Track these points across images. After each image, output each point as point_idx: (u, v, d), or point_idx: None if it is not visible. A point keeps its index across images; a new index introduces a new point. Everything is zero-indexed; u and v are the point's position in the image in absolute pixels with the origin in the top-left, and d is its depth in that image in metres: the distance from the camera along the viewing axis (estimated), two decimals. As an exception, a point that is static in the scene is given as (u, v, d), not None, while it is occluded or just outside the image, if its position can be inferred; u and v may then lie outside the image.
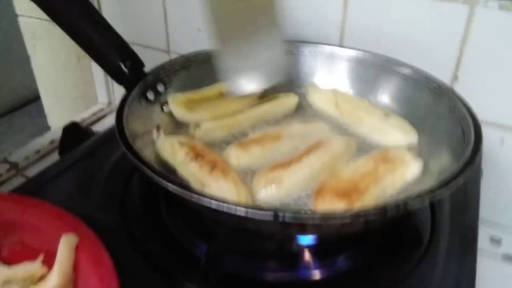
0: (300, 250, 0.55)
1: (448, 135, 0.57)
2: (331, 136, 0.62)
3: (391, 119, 0.64)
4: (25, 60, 1.15)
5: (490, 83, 0.70)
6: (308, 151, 0.57)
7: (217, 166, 0.53)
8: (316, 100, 0.71)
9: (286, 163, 0.55)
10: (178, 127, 0.66)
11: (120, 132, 0.52)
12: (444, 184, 0.45)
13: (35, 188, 0.65)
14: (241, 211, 0.41)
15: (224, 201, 0.42)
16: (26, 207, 0.51)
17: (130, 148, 0.50)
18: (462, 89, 0.63)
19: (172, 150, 0.58)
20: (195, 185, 0.53)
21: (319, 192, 0.51)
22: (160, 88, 0.66)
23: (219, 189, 0.51)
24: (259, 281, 0.52)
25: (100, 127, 0.97)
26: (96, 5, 0.96)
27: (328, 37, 0.77)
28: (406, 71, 0.67)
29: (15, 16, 1.09)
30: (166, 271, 0.52)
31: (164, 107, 0.66)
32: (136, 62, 0.64)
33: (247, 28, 0.62)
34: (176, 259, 0.54)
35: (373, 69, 0.70)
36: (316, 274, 0.53)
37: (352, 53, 0.72)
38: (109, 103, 1.10)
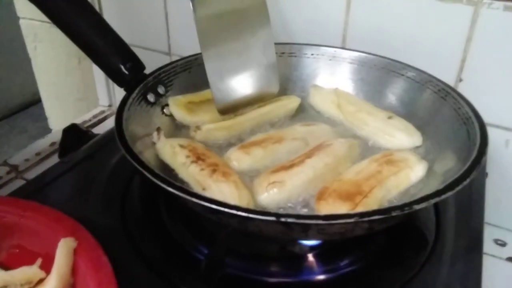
0: (302, 252, 0.55)
1: (453, 137, 0.56)
2: (334, 138, 0.61)
3: (395, 121, 0.63)
4: (26, 62, 1.15)
5: (494, 85, 0.69)
6: (310, 154, 0.56)
7: (218, 169, 0.53)
8: (318, 101, 0.70)
9: (288, 166, 0.54)
10: (178, 129, 0.65)
11: (119, 134, 0.52)
12: (450, 186, 0.44)
13: (35, 191, 0.64)
14: (242, 215, 0.40)
15: (225, 205, 0.41)
16: (25, 211, 0.51)
17: (129, 150, 0.49)
18: (467, 91, 0.62)
19: (172, 153, 0.57)
20: (195, 188, 0.52)
21: (321, 194, 0.50)
22: (161, 90, 0.66)
23: (220, 192, 0.50)
24: (260, 284, 0.52)
25: (101, 130, 0.96)
26: (97, 7, 0.96)
27: (330, 39, 0.77)
28: (409, 73, 0.66)
29: (17, 18, 1.09)
30: (167, 275, 0.52)
31: (164, 109, 0.65)
32: (136, 64, 0.64)
33: (236, 33, 0.62)
34: (177, 262, 0.54)
35: (376, 71, 0.69)
36: (319, 277, 0.53)
37: (355, 54, 0.71)
38: (110, 106, 1.10)
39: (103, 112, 1.07)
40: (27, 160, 0.84)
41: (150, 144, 0.59)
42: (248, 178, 0.55)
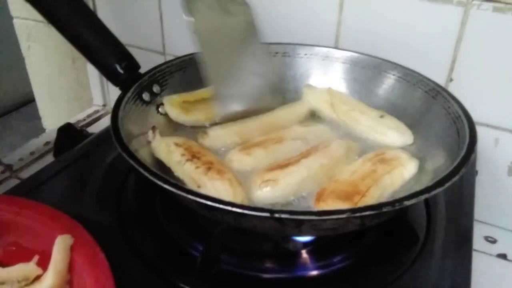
0: (296, 249, 0.55)
1: (443, 135, 0.57)
2: (333, 139, 0.62)
3: (387, 120, 0.64)
4: (20, 62, 1.15)
5: (484, 84, 0.70)
6: (307, 154, 0.57)
7: (213, 167, 0.53)
8: (312, 101, 0.71)
9: (283, 165, 0.55)
10: (173, 128, 0.66)
11: (115, 133, 0.52)
12: (439, 182, 0.45)
13: (30, 190, 0.64)
14: (236, 211, 0.41)
15: (219, 201, 0.42)
16: (21, 208, 0.51)
17: (125, 148, 0.50)
18: (457, 90, 0.63)
19: (167, 151, 0.58)
20: (191, 185, 0.53)
21: (320, 196, 0.51)
22: (156, 89, 0.66)
23: (215, 189, 0.51)
24: (255, 280, 0.53)
25: (96, 129, 0.96)
26: (91, 6, 0.96)
27: (323, 39, 0.77)
28: (401, 72, 0.67)
29: (10, 18, 1.09)
30: (162, 271, 0.52)
31: (159, 108, 0.66)
32: (131, 64, 0.64)
33: (228, 34, 0.64)
34: (172, 259, 0.54)
35: (368, 70, 0.70)
36: (312, 272, 0.53)
37: (348, 54, 0.72)
38: (104, 105, 1.10)
39: (97, 111, 1.07)
40: (21, 159, 0.84)
41: (146, 142, 0.60)
42: (247, 178, 0.55)
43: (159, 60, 0.91)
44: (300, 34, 0.79)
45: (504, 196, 0.76)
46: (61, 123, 0.86)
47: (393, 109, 0.67)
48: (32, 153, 0.86)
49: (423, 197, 0.43)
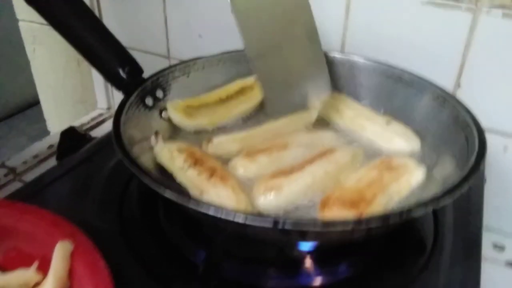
0: (300, 256, 0.54)
1: (451, 142, 0.56)
2: (338, 146, 0.61)
3: (393, 126, 0.64)
4: (25, 65, 1.15)
5: (493, 90, 0.70)
6: (311, 160, 0.56)
7: (216, 173, 0.53)
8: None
9: (288, 171, 0.54)
10: (177, 133, 0.65)
11: (117, 138, 0.52)
12: (448, 192, 0.44)
13: (32, 193, 0.64)
14: (239, 218, 0.40)
15: (222, 208, 0.41)
16: (22, 213, 0.50)
17: (126, 154, 0.49)
18: (465, 96, 0.63)
19: (170, 156, 0.57)
20: (193, 191, 0.52)
21: (325, 203, 0.50)
22: (159, 94, 0.66)
23: (218, 196, 0.50)
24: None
25: (100, 132, 0.96)
26: (96, 11, 0.96)
27: (329, 44, 0.77)
28: (408, 78, 0.67)
29: (16, 20, 1.09)
30: (164, 279, 0.52)
31: (163, 113, 0.65)
32: (134, 68, 0.64)
33: (283, 44, 0.60)
34: (174, 266, 0.54)
35: (375, 76, 0.70)
36: (317, 281, 0.52)
37: (354, 59, 0.71)
38: (109, 108, 1.09)
39: (101, 115, 1.06)
40: (25, 162, 0.84)
41: (148, 148, 0.59)
42: (252, 185, 0.54)
43: (164, 64, 0.90)
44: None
45: (513, 204, 0.75)
46: (65, 126, 0.85)
47: (400, 115, 0.66)
48: (35, 156, 0.86)
49: (431, 207, 0.42)
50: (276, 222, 0.40)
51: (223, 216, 0.41)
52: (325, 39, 0.77)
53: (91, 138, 0.82)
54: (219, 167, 0.55)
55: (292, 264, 0.54)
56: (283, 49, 0.61)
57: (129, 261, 0.53)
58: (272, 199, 0.51)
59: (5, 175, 0.80)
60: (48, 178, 0.67)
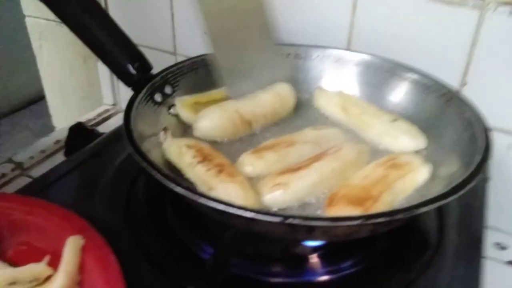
0: (306, 253, 0.55)
1: (457, 141, 0.57)
2: (345, 143, 0.61)
3: (399, 124, 0.64)
4: (31, 60, 1.15)
5: (498, 89, 0.69)
6: (319, 157, 0.56)
7: (225, 169, 0.53)
8: (323, 104, 0.71)
9: (294, 168, 0.54)
10: (185, 129, 0.66)
11: (128, 133, 0.52)
12: (453, 190, 0.44)
13: (40, 189, 0.64)
14: (247, 215, 0.41)
15: (231, 204, 0.42)
16: (32, 208, 0.51)
17: (138, 149, 0.50)
18: (471, 94, 0.63)
19: (179, 152, 0.57)
20: (202, 188, 0.53)
21: (331, 200, 0.51)
22: (168, 90, 0.66)
23: (226, 192, 0.51)
24: (264, 284, 0.52)
25: (105, 128, 0.96)
26: (103, 7, 0.96)
27: (336, 41, 0.77)
28: (414, 75, 0.67)
29: (22, 16, 1.09)
30: (172, 273, 0.52)
31: (171, 109, 0.66)
32: (144, 64, 0.64)
33: (240, 33, 0.65)
34: (182, 262, 0.54)
35: (381, 73, 0.70)
36: (323, 278, 0.53)
37: (360, 57, 0.72)
38: (114, 104, 1.10)
39: (107, 110, 1.07)
40: (31, 157, 0.84)
41: (157, 143, 0.60)
42: (258, 181, 0.55)
43: (170, 60, 0.91)
44: (312, 36, 0.79)
45: (516, 202, 0.75)
46: (71, 121, 0.86)
47: (406, 113, 0.66)
48: (42, 151, 0.86)
49: (436, 204, 0.43)
50: (284, 218, 0.40)
51: (232, 212, 0.41)
52: (331, 35, 0.77)
53: (99, 134, 0.82)
54: (227, 164, 0.55)
55: (298, 260, 0.55)
56: (239, 38, 0.66)
57: (137, 256, 0.54)
58: (280, 196, 0.52)
59: (12, 170, 0.80)
60: (57, 174, 0.68)
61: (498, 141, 0.70)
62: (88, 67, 1.10)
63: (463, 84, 0.71)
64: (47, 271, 0.47)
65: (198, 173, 0.54)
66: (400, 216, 0.41)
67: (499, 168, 0.73)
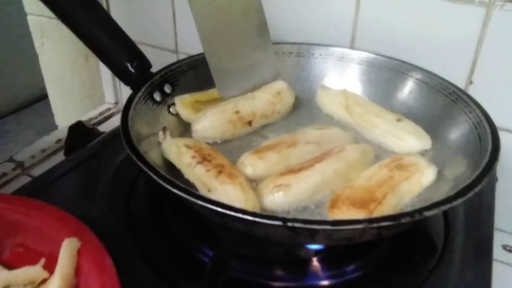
0: (309, 257, 0.54)
1: (463, 141, 0.56)
2: (348, 143, 0.60)
3: (404, 124, 0.62)
4: (33, 59, 1.15)
5: (504, 88, 0.68)
6: (321, 158, 0.55)
7: (224, 171, 0.52)
8: (326, 103, 0.70)
9: (297, 169, 0.53)
10: (185, 129, 0.65)
11: (125, 134, 0.51)
12: (460, 193, 0.43)
13: (39, 189, 0.64)
14: (247, 218, 0.40)
15: (230, 207, 0.41)
16: (29, 209, 0.50)
17: (134, 150, 0.49)
18: (477, 93, 0.61)
19: (178, 153, 0.56)
20: (201, 189, 0.52)
21: (334, 202, 0.49)
22: (167, 89, 0.65)
23: (226, 194, 0.50)
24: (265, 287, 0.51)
25: (107, 127, 0.96)
26: (104, 5, 0.96)
27: (339, 39, 0.76)
28: (419, 74, 0.66)
29: (24, 14, 1.09)
30: (171, 277, 0.51)
31: (171, 108, 0.65)
32: (143, 63, 0.63)
33: (234, 33, 0.65)
34: (181, 265, 0.53)
35: (385, 72, 0.69)
36: (326, 282, 0.52)
37: (364, 55, 0.71)
38: (116, 103, 1.09)
39: (109, 109, 1.06)
40: (32, 156, 0.84)
41: (156, 143, 0.59)
42: (259, 182, 0.54)
43: (172, 58, 0.90)
44: (315, 34, 0.78)
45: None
46: (73, 120, 0.85)
47: (411, 113, 0.65)
48: (43, 151, 0.86)
49: (443, 208, 0.41)
50: (285, 221, 0.39)
51: (231, 214, 0.40)
52: (334, 33, 0.76)
53: (99, 133, 0.81)
54: (227, 164, 0.54)
55: (300, 264, 0.54)
56: (232, 38, 0.65)
57: (135, 259, 0.53)
58: (281, 198, 0.51)
59: (13, 169, 0.80)
60: (56, 174, 0.67)
61: (506, 141, 0.69)
62: (90, 66, 1.09)
63: (469, 82, 0.70)
64: (43, 274, 0.46)
65: (198, 174, 0.53)
66: (405, 220, 0.40)
67: (507, 169, 0.72)
